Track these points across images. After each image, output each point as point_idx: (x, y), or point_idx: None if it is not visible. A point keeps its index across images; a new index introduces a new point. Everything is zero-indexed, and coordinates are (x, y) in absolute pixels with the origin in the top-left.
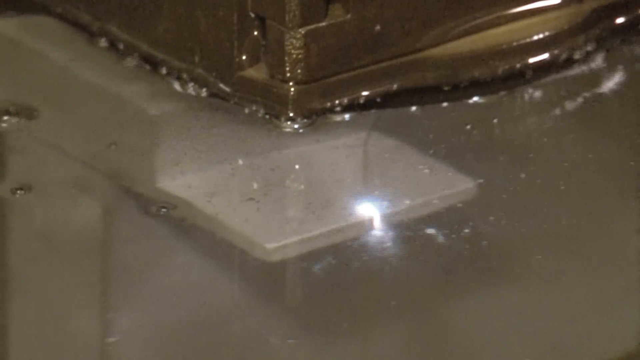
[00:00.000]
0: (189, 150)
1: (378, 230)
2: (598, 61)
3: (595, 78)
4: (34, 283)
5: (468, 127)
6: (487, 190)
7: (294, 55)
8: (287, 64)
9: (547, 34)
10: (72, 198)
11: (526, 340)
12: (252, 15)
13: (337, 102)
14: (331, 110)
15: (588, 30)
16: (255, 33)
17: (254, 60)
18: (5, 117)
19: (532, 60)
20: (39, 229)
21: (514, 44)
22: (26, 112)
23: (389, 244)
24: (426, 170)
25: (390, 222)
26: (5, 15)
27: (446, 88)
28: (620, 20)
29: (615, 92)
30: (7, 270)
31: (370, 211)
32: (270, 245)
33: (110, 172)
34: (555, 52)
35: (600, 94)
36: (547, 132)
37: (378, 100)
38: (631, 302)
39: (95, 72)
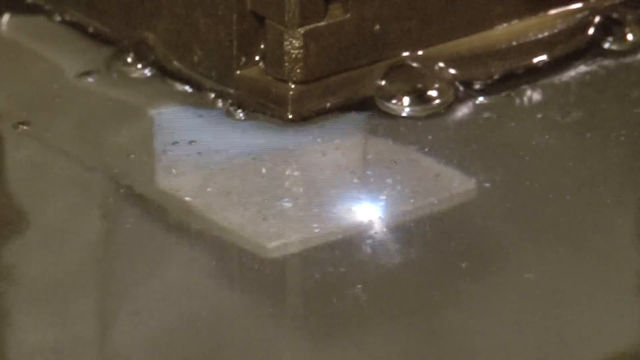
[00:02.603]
0: (188, 151)
1: (378, 231)
2: (598, 62)
3: (595, 79)
4: (34, 284)
5: (468, 128)
6: (488, 191)
7: (293, 55)
8: (287, 64)
9: (546, 34)
10: (72, 199)
11: (527, 342)
12: (252, 14)
13: (336, 102)
14: (330, 110)
15: (587, 30)
16: (255, 32)
17: (253, 59)
18: (4, 119)
19: (531, 60)
20: (39, 229)
21: (514, 43)
22: (24, 115)
23: (388, 244)
24: (426, 172)
25: (390, 223)
26: (2, 17)
27: (445, 88)
28: (619, 21)
29: (615, 93)
30: (6, 271)
31: (370, 212)
32: (270, 245)
33: (109, 172)
34: (555, 52)
35: (601, 95)
36: (548, 133)
37: (378, 100)
38: (631, 303)
39: (93, 73)
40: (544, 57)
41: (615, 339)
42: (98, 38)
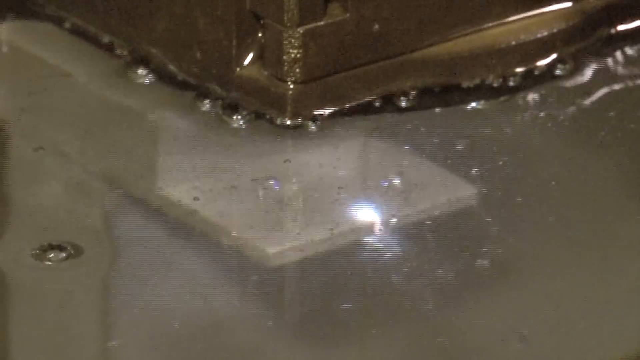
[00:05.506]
0: (188, 153)
1: (378, 234)
2: (598, 64)
3: (596, 81)
4: (35, 286)
5: (468, 130)
6: (488, 195)
7: (293, 55)
8: (286, 64)
9: (546, 34)
10: (73, 202)
11: (527, 343)
12: (251, 14)
13: (335, 102)
14: (330, 111)
15: (588, 32)
16: (254, 32)
17: (252, 59)
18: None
19: (531, 61)
20: (40, 231)
21: (513, 43)
22: (24, 116)
23: (389, 248)
24: (426, 175)
25: (390, 226)
26: (3, 19)
27: (445, 89)
28: (620, 22)
29: (616, 95)
30: (6, 273)
31: (370, 215)
32: (271, 250)
33: (109, 176)
34: (556, 53)
35: (601, 97)
36: (549, 135)
37: (377, 100)
38: (631, 305)
39: (93, 73)
40: (543, 58)
41: (615, 340)
42: (96, 39)
